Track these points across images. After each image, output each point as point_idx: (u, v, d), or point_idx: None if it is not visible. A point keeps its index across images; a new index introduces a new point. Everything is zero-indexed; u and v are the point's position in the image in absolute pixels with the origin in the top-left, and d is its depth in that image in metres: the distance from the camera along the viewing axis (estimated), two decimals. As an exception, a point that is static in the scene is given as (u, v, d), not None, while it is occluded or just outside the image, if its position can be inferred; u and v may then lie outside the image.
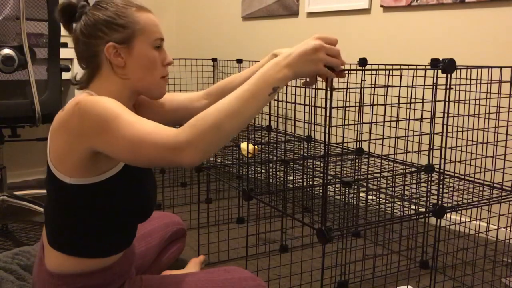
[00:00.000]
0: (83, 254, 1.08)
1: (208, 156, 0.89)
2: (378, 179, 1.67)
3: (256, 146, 1.83)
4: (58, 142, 1.01)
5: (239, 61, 2.99)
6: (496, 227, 2.11)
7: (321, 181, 1.75)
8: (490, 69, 1.96)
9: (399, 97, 1.55)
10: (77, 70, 2.62)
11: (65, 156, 1.00)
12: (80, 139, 0.96)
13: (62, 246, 1.07)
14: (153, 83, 1.10)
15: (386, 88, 1.45)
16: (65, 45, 2.58)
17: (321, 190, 2.55)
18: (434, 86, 1.63)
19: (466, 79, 1.55)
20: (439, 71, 1.90)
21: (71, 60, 2.60)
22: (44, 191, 2.58)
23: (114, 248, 1.12)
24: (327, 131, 1.11)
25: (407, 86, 1.36)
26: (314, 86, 1.06)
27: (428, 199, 1.51)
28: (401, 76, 1.53)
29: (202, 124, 0.87)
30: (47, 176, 1.07)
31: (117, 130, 0.91)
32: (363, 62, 1.96)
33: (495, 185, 1.60)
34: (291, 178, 2.60)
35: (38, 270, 1.13)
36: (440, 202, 1.35)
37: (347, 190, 2.13)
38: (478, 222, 2.12)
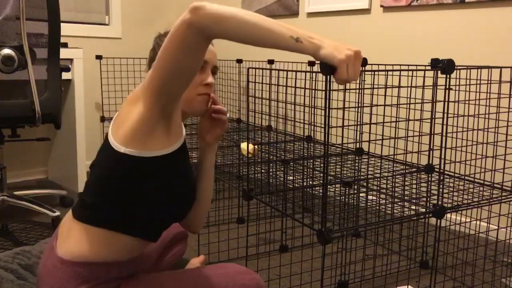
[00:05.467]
0: (112, 226, 1.10)
1: (215, 23, 0.97)
2: (378, 179, 1.67)
3: (256, 146, 1.83)
4: (130, 111, 1.09)
5: (239, 61, 2.99)
6: (496, 227, 2.11)
7: (321, 181, 1.75)
8: (489, 69, 1.96)
9: (398, 97, 1.55)
10: (77, 71, 2.61)
11: (133, 121, 1.08)
12: (151, 98, 1.05)
13: (94, 215, 1.10)
14: (189, 98, 1.20)
15: (385, 88, 1.46)
16: (65, 45, 2.57)
17: (321, 190, 2.55)
18: (434, 86, 1.63)
19: (466, 79, 1.55)
20: (439, 71, 1.91)
21: (71, 60, 2.59)
22: (44, 191, 2.59)
23: (142, 231, 1.14)
24: (326, 131, 1.11)
25: (407, 87, 1.36)
26: (315, 87, 1.07)
27: (428, 199, 1.51)
28: (400, 76, 1.53)
29: (223, 7, 0.97)
30: (102, 145, 1.15)
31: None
32: (363, 62, 1.96)
33: (495, 185, 1.60)
34: (291, 178, 2.60)
35: (47, 258, 1.13)
36: (440, 202, 1.35)
37: (347, 190, 2.13)
38: (478, 222, 2.12)
